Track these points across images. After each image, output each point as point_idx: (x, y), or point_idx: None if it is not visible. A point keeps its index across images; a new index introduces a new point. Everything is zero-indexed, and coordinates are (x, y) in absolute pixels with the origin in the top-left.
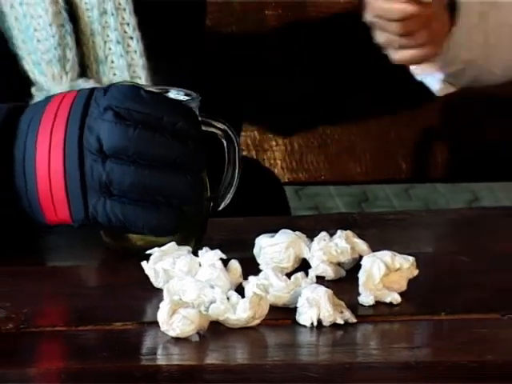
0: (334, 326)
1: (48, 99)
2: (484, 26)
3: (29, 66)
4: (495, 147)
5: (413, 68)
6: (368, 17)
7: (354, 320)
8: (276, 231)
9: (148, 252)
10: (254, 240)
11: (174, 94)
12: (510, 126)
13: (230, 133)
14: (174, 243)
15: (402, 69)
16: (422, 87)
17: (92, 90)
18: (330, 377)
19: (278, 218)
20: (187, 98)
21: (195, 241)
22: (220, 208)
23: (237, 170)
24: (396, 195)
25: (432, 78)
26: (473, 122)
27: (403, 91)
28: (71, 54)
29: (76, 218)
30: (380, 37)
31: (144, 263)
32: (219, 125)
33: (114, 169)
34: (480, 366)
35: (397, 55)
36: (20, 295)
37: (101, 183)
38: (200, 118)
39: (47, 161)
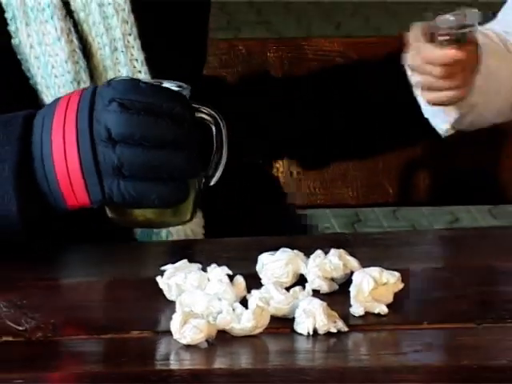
0: (328, 334)
1: (56, 100)
2: (485, 72)
3: (48, 98)
4: (471, 174)
5: (425, 108)
6: (413, 60)
7: (346, 329)
8: (276, 249)
9: (162, 268)
10: (257, 257)
11: (168, 84)
12: (482, 156)
13: (218, 118)
14: (185, 261)
15: (392, 109)
16: (407, 125)
17: (95, 87)
18: (325, 380)
19: (278, 237)
20: (179, 88)
21: (190, 214)
22: (211, 184)
23: (224, 151)
24: (384, 217)
25: (440, 120)
26: (451, 152)
27: (391, 127)
28: (83, 81)
29: (94, 200)
30: (421, 79)
31: (159, 278)
32: (208, 111)
33: (124, 152)
34: (457, 370)
35: (432, 96)
36: (48, 307)
37: (113, 166)
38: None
39: (63, 153)
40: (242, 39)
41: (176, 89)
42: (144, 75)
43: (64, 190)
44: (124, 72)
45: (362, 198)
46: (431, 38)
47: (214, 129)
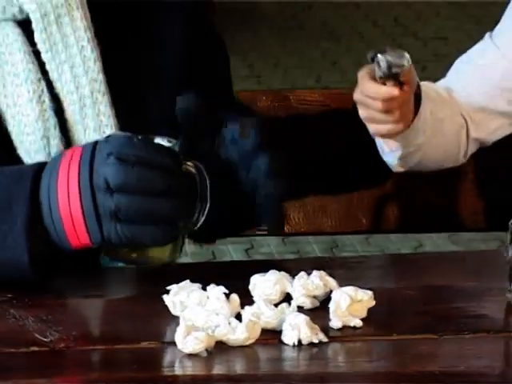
0: (311, 344)
1: (62, 154)
2: (426, 114)
3: (22, 154)
4: (433, 206)
5: (380, 145)
6: (357, 95)
7: (326, 340)
8: (266, 271)
9: (168, 288)
10: (249, 278)
11: (160, 139)
12: (443, 190)
13: (202, 170)
14: (187, 281)
15: (364, 149)
16: (376, 163)
17: (96, 142)
18: (307, 383)
19: (267, 261)
20: (169, 143)
21: (177, 252)
22: (196, 227)
23: (207, 200)
24: (358, 243)
25: (390, 156)
26: (416, 187)
27: (363, 165)
28: (55, 143)
29: (95, 241)
30: (363, 112)
31: (165, 296)
32: (194, 163)
33: (121, 200)
34: (422, 375)
35: (375, 128)
36: (69, 321)
37: (111, 212)
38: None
39: (67, 201)
40: (236, 91)
41: (167, 144)
42: (110, 129)
43: (68, 232)
44: (92, 125)
45: (339, 226)
46: (373, 76)
47: (198, 179)
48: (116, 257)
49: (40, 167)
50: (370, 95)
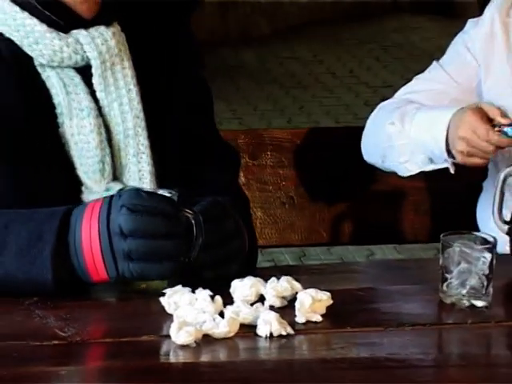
0: (280, 336)
1: (85, 205)
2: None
3: (81, 173)
4: (382, 222)
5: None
6: (463, 147)
7: (293, 332)
8: (244, 277)
9: (163, 291)
10: (231, 283)
11: (162, 191)
12: (390, 209)
13: (198, 217)
14: (180, 286)
15: (324, 178)
16: (335, 189)
17: (111, 196)
18: (278, 368)
19: (245, 270)
20: (169, 194)
21: (176, 282)
22: (191, 259)
23: (200, 240)
24: (322, 253)
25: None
26: (367, 207)
27: (322, 190)
28: (108, 167)
29: (111, 276)
30: (467, 148)
31: (161, 298)
32: (190, 209)
33: (131, 243)
34: (371, 361)
35: (471, 161)
36: (84, 319)
37: (124, 253)
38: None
39: (89, 243)
40: (220, 130)
41: (167, 194)
42: (146, 156)
43: (90, 268)
44: (131, 152)
45: (304, 240)
46: (489, 121)
47: (193, 222)
48: (131, 288)
49: (68, 211)
50: (491, 142)
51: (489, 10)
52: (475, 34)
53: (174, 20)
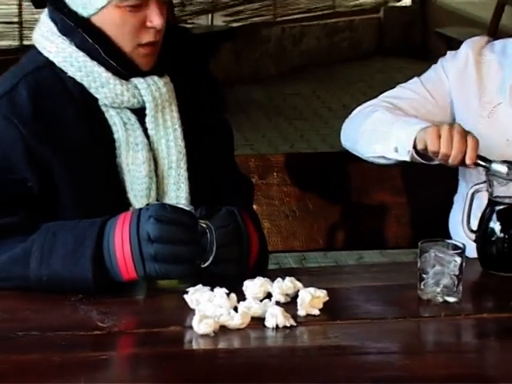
0: (284, 327)
1: (118, 216)
2: None
3: (131, 196)
4: (369, 231)
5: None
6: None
7: (295, 324)
8: (254, 277)
9: (187, 290)
10: (243, 282)
11: (182, 206)
12: (376, 221)
13: (211, 227)
14: (200, 285)
15: (323, 192)
16: (331, 202)
17: (140, 209)
18: (283, 354)
19: (256, 272)
20: (188, 207)
21: (192, 281)
22: (206, 264)
23: (214, 248)
24: (319, 257)
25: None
26: (356, 219)
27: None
28: (153, 193)
29: (140, 275)
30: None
31: (185, 295)
32: (205, 222)
33: (157, 247)
34: (360, 347)
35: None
36: (121, 313)
37: (151, 256)
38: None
39: (121, 247)
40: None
41: (187, 208)
42: (183, 186)
43: (121, 269)
44: (172, 181)
45: (305, 246)
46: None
47: (208, 232)
48: (153, 286)
49: (104, 222)
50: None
51: (464, 48)
52: (451, 65)
53: (209, 78)
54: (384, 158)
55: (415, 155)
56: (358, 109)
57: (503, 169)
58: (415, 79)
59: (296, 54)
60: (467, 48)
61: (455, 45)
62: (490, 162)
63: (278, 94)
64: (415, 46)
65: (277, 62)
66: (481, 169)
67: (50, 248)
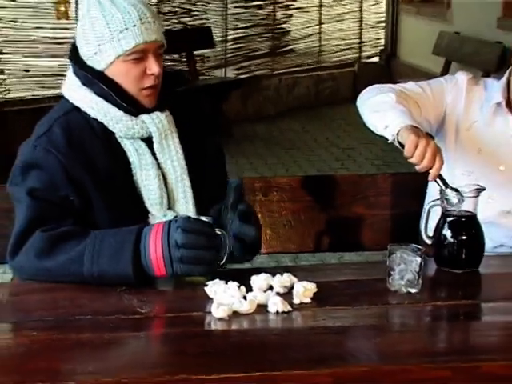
0: (283, 312)
1: (152, 225)
2: None
3: (147, 205)
4: (348, 236)
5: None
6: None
7: (291, 309)
8: (259, 274)
9: (207, 283)
10: (251, 277)
11: (203, 218)
12: (352, 228)
13: (226, 234)
14: (217, 279)
15: (313, 209)
16: (319, 215)
17: (170, 221)
18: (282, 333)
19: (260, 268)
20: (207, 219)
21: (211, 277)
22: (222, 263)
23: (228, 249)
24: (309, 257)
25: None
26: (338, 227)
27: (313, 217)
28: (165, 201)
29: (168, 273)
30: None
31: (206, 288)
32: (221, 230)
33: (183, 252)
34: (342, 328)
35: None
36: (155, 301)
37: (178, 258)
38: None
39: (155, 251)
40: (243, 177)
41: (206, 219)
42: (189, 194)
43: (155, 267)
44: (180, 191)
45: (298, 248)
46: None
47: (223, 239)
48: (180, 280)
49: (140, 229)
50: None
51: (460, 77)
52: (452, 86)
53: (200, 109)
54: (375, 128)
55: (396, 142)
56: (375, 86)
57: (454, 198)
58: (426, 81)
59: (290, 98)
60: (462, 76)
61: None
62: (447, 185)
63: (276, 129)
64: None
65: (275, 105)
66: (452, 164)
67: (98, 250)
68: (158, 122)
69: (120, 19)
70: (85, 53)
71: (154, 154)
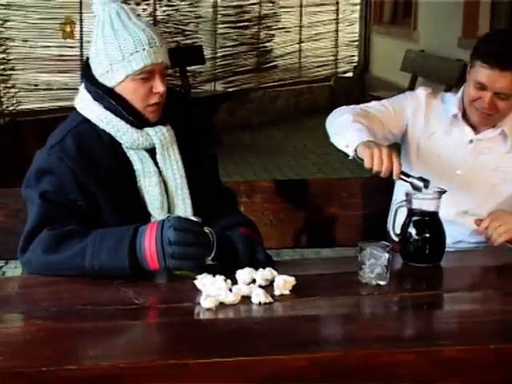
0: (265, 303)
1: (147, 225)
2: None
3: (150, 209)
4: (322, 234)
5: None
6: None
7: (272, 300)
8: (243, 268)
9: (196, 277)
10: (236, 271)
11: (192, 218)
12: (325, 228)
13: (213, 231)
14: (205, 273)
15: (293, 209)
16: (297, 216)
17: (163, 220)
18: (264, 321)
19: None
20: (197, 219)
21: (199, 272)
22: (209, 259)
23: (215, 245)
24: (289, 252)
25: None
26: (317, 226)
27: (291, 218)
28: (165, 205)
29: (161, 267)
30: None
31: (195, 281)
32: (208, 228)
33: (175, 248)
34: (318, 316)
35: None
36: (149, 293)
37: (170, 254)
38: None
39: (149, 246)
40: (230, 181)
41: (195, 219)
42: (188, 200)
43: (149, 261)
44: (180, 198)
45: (279, 244)
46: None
47: (210, 236)
48: (172, 274)
49: (136, 228)
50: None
51: (419, 92)
52: (411, 101)
53: (197, 123)
54: (339, 147)
55: (356, 157)
56: (340, 108)
57: (420, 183)
58: (386, 99)
59: (272, 110)
60: (422, 91)
61: None
62: (410, 176)
63: (260, 137)
64: (357, 104)
65: (259, 115)
66: (405, 189)
67: (99, 246)
68: (160, 135)
69: (131, 43)
70: (97, 71)
71: (156, 163)
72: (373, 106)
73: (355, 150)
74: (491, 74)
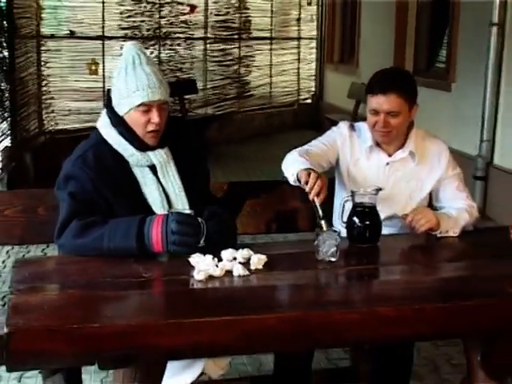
0: (244, 276)
1: (154, 216)
2: None
3: (154, 208)
4: (289, 223)
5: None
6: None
7: (249, 274)
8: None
9: (191, 256)
10: (221, 251)
11: (188, 211)
12: (294, 217)
13: (204, 223)
14: (198, 253)
15: (265, 202)
16: (268, 208)
17: (168, 213)
18: (243, 289)
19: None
20: (191, 212)
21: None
22: (200, 245)
23: (204, 233)
24: (263, 237)
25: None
26: (283, 216)
27: (266, 209)
28: (166, 206)
29: (164, 251)
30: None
31: (190, 258)
32: (200, 219)
33: (176, 237)
34: (287, 285)
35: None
36: (155, 268)
37: (172, 241)
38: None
39: (156, 234)
40: (216, 182)
41: (189, 212)
42: (185, 203)
43: (155, 246)
44: (179, 202)
45: (254, 231)
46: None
47: (202, 226)
48: (172, 254)
49: (143, 218)
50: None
51: (342, 126)
52: (338, 134)
53: (193, 143)
54: (289, 179)
55: (296, 182)
56: (290, 152)
57: (318, 232)
58: (322, 137)
59: (250, 128)
60: (344, 126)
61: (335, 123)
62: (321, 217)
63: (241, 149)
64: (315, 123)
65: (240, 133)
66: (348, 187)
67: (114, 231)
68: (159, 157)
69: (134, 83)
70: (113, 102)
71: (158, 179)
72: (313, 144)
73: (296, 175)
74: (378, 99)
